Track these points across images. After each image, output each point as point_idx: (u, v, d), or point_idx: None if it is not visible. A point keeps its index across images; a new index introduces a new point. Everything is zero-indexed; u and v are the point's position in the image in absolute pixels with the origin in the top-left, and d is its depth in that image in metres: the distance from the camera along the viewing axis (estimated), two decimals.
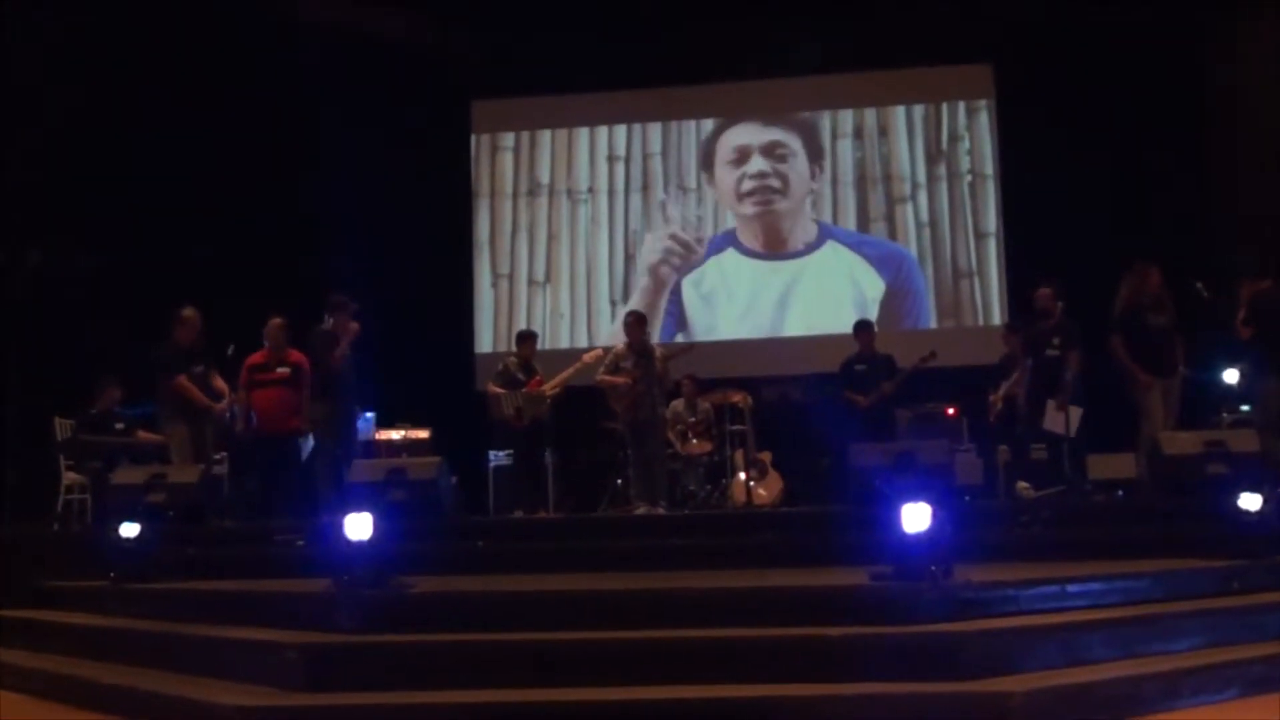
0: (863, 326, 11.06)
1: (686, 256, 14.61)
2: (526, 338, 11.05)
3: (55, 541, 9.04)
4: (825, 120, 14.72)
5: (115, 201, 12.22)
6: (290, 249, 12.91)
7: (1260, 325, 8.73)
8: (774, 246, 14.58)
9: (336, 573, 5.83)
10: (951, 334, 13.99)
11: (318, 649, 5.28)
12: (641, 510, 9.85)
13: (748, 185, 14.69)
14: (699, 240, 14.62)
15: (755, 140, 14.81)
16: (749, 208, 14.68)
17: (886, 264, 14.36)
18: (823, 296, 14.35)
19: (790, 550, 7.33)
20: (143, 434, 10.59)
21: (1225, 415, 10.69)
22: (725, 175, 14.80)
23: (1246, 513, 6.30)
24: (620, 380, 10.12)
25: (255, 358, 9.89)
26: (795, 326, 14.38)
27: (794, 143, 14.74)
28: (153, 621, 6.43)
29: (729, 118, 14.89)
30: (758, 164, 14.72)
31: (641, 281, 14.67)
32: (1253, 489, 6.35)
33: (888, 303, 14.03)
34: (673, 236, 14.65)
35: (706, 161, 14.85)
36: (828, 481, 11.08)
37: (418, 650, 5.26)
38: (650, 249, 14.69)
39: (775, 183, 14.66)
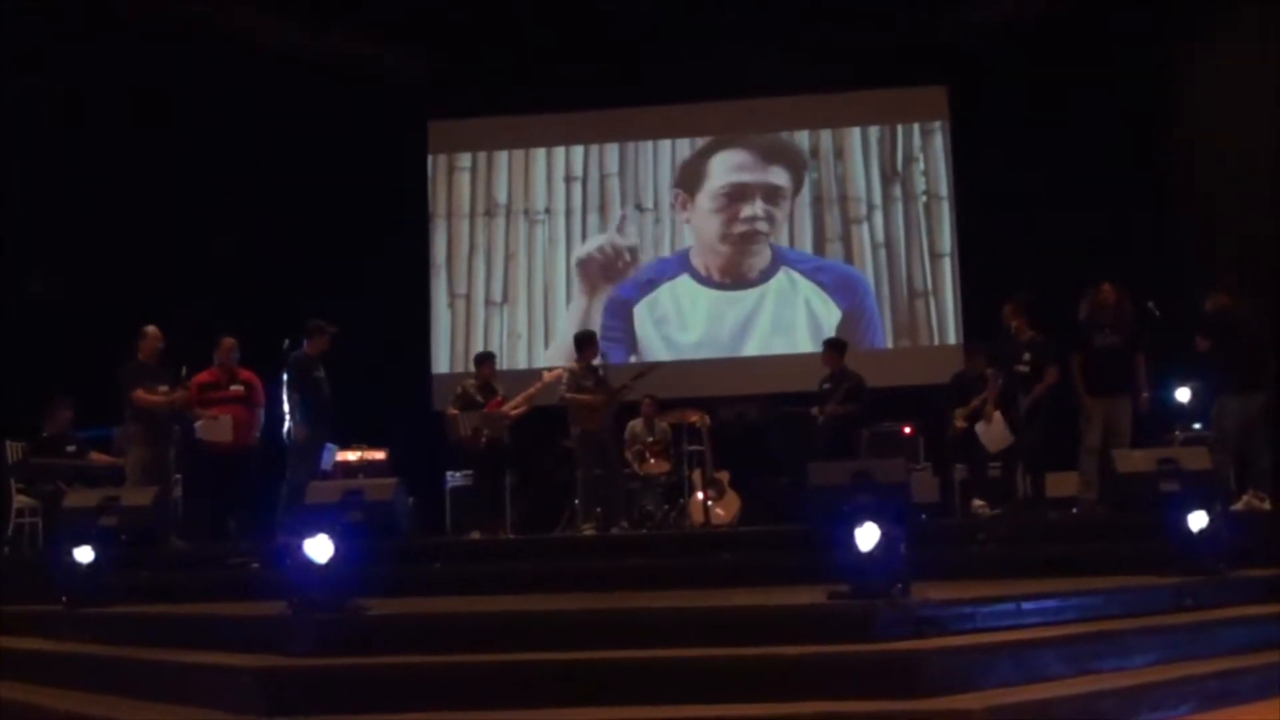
0: (827, 345, 11.17)
1: (612, 262, 14.62)
2: (485, 359, 11.05)
3: (6, 566, 8.93)
4: (781, 140, 14.79)
5: (68, 223, 12.12)
6: (246, 269, 12.85)
7: (1215, 341, 8.81)
8: (730, 277, 14.62)
9: (292, 595, 5.79)
10: (907, 354, 14.09)
11: (273, 673, 5.23)
12: (589, 530, 9.88)
13: (740, 228, 14.62)
14: (631, 251, 14.56)
15: (754, 179, 14.73)
16: (730, 245, 14.66)
17: (842, 290, 14.42)
18: (779, 325, 14.43)
19: (748, 569, 7.36)
20: (95, 455, 10.49)
21: (1178, 433, 10.79)
22: (711, 205, 14.75)
23: (1197, 530, 6.36)
24: (590, 399, 10.19)
25: (203, 377, 9.86)
26: (752, 352, 14.46)
27: (787, 185, 14.70)
28: (106, 646, 6.36)
29: (721, 139, 14.86)
30: (754, 208, 14.66)
31: (575, 283, 14.71)
32: (1204, 506, 6.41)
33: (843, 328, 14.05)
34: (607, 246, 14.67)
35: (686, 183, 14.83)
36: (786, 500, 11.11)
37: (374, 673, 5.22)
38: (586, 246, 14.71)
39: (764, 227, 14.64)
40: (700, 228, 14.76)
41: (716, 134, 14.86)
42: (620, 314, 14.61)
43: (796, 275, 14.49)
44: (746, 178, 14.79)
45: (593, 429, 10.22)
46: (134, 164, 12.50)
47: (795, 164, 14.78)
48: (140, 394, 9.46)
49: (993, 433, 9.85)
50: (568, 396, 10.27)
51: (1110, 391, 9.05)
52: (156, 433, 9.54)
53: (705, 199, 14.79)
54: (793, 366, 13.50)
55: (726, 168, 14.84)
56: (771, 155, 14.82)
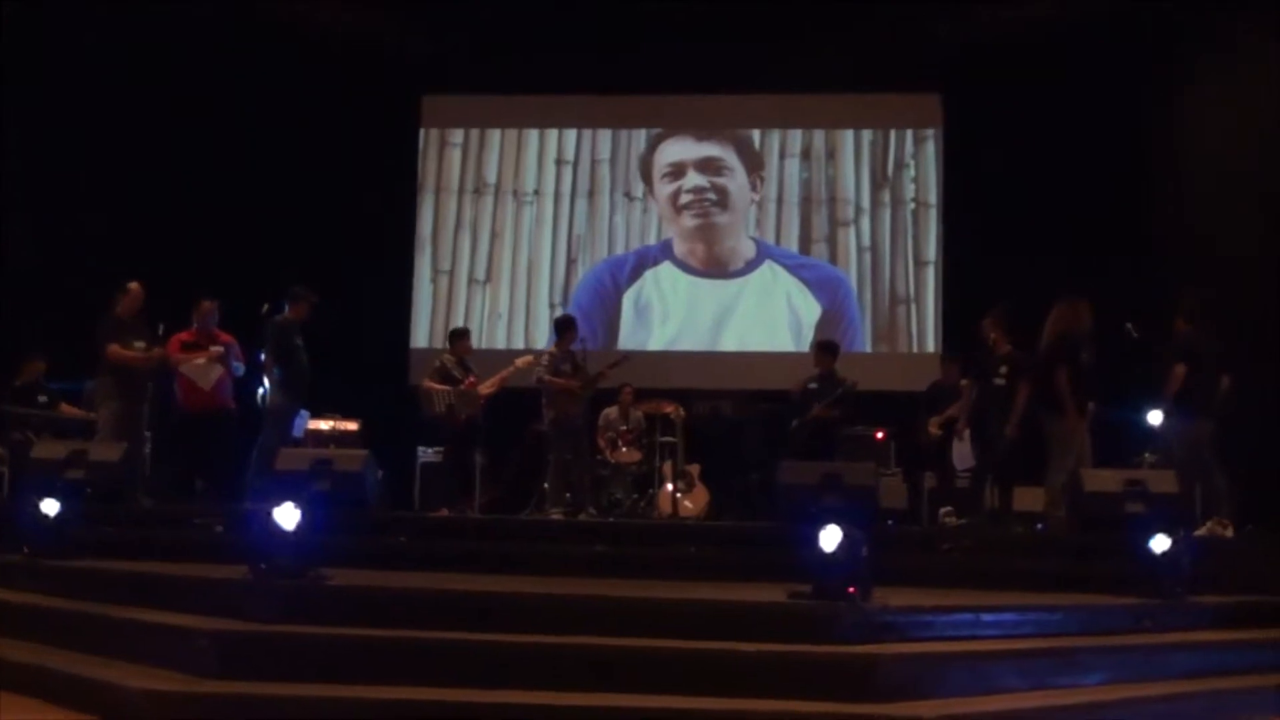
0: (818, 347, 11.22)
1: None
2: (462, 334, 11.05)
3: None
4: (774, 138, 14.79)
5: (51, 181, 12.07)
6: (231, 233, 12.81)
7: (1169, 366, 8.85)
8: (712, 264, 14.63)
9: (254, 560, 5.79)
10: (885, 359, 14.12)
11: (230, 636, 5.24)
12: (556, 515, 9.89)
13: (685, 199, 14.72)
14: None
15: (689, 155, 14.84)
16: (689, 220, 14.71)
17: (824, 288, 14.44)
18: (759, 317, 14.43)
19: (713, 564, 7.39)
20: (66, 408, 10.45)
21: (1148, 455, 10.83)
22: (662, 189, 14.83)
23: (1159, 553, 6.40)
24: (569, 384, 10.19)
25: (184, 335, 9.83)
26: (730, 344, 14.45)
27: (730, 157, 14.78)
28: (65, 600, 6.35)
29: (665, 131, 14.92)
30: (694, 179, 14.75)
31: None
32: (1168, 529, 6.45)
33: (823, 327, 14.09)
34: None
35: (645, 175, 14.88)
36: (754, 497, 11.15)
37: (331, 643, 5.22)
38: None
39: (713, 195, 14.70)
40: (662, 214, 14.83)
41: (709, 127, 14.86)
42: (607, 303, 14.60)
43: (780, 269, 14.50)
44: (679, 156, 14.86)
45: (567, 414, 10.23)
46: (119, 123, 12.45)
47: (742, 146, 14.81)
48: (115, 349, 9.37)
49: (961, 449, 9.93)
50: (546, 379, 10.26)
51: (1084, 410, 9.05)
52: (129, 388, 9.45)
53: (657, 185, 14.86)
54: (770, 364, 13.54)
55: (667, 154, 14.91)
56: (709, 135, 14.90)
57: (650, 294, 14.61)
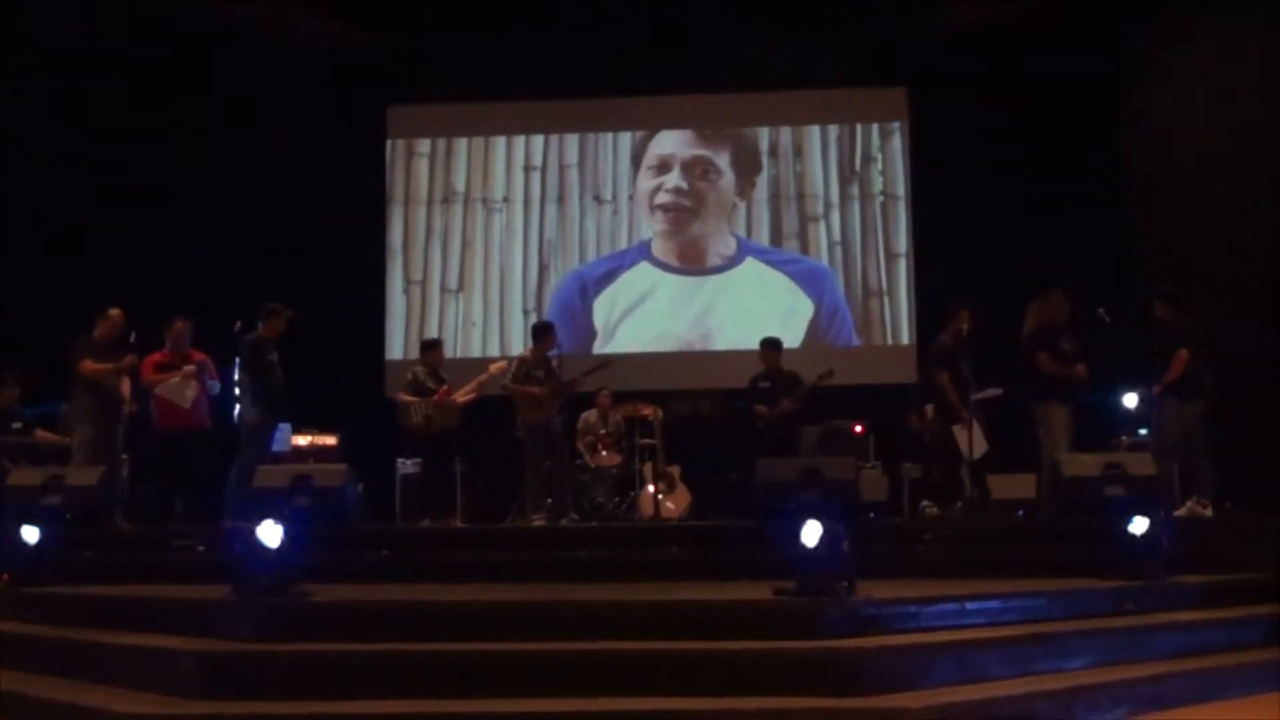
0: (768, 344, 11.16)
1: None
2: (434, 345, 11.01)
3: None
4: (742, 136, 14.81)
5: (20, 199, 11.98)
6: (200, 250, 12.76)
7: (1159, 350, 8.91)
8: (690, 262, 14.60)
9: (236, 580, 5.76)
10: (861, 352, 14.13)
11: (214, 657, 5.21)
12: (538, 522, 9.87)
13: (661, 199, 14.68)
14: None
15: (680, 152, 14.79)
16: (659, 224, 14.70)
17: (809, 279, 14.40)
18: (744, 314, 14.27)
19: (697, 564, 7.39)
20: (41, 433, 10.39)
21: (1124, 439, 10.88)
22: (644, 181, 14.77)
23: (1139, 535, 6.44)
24: (534, 391, 10.15)
25: (157, 356, 9.78)
26: (710, 343, 14.40)
27: (721, 160, 14.72)
28: (46, 626, 6.31)
29: (658, 125, 14.89)
30: (675, 179, 14.71)
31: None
32: (1147, 511, 6.48)
33: (816, 321, 14.09)
34: None
35: (636, 163, 14.85)
36: (736, 496, 11.14)
37: (315, 660, 5.21)
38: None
39: (688, 202, 14.63)
40: (639, 204, 14.78)
41: (676, 128, 14.85)
42: (583, 307, 14.58)
43: (762, 265, 14.47)
44: (670, 150, 14.82)
45: (536, 421, 10.19)
46: (79, 137, 12.37)
47: (741, 150, 14.76)
48: (88, 364, 9.34)
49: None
50: (510, 387, 10.24)
51: (1070, 398, 9.10)
52: (105, 410, 9.42)
53: (642, 176, 14.82)
54: (748, 362, 13.50)
55: (660, 144, 14.87)
56: (711, 137, 14.83)
57: (629, 297, 14.58)
